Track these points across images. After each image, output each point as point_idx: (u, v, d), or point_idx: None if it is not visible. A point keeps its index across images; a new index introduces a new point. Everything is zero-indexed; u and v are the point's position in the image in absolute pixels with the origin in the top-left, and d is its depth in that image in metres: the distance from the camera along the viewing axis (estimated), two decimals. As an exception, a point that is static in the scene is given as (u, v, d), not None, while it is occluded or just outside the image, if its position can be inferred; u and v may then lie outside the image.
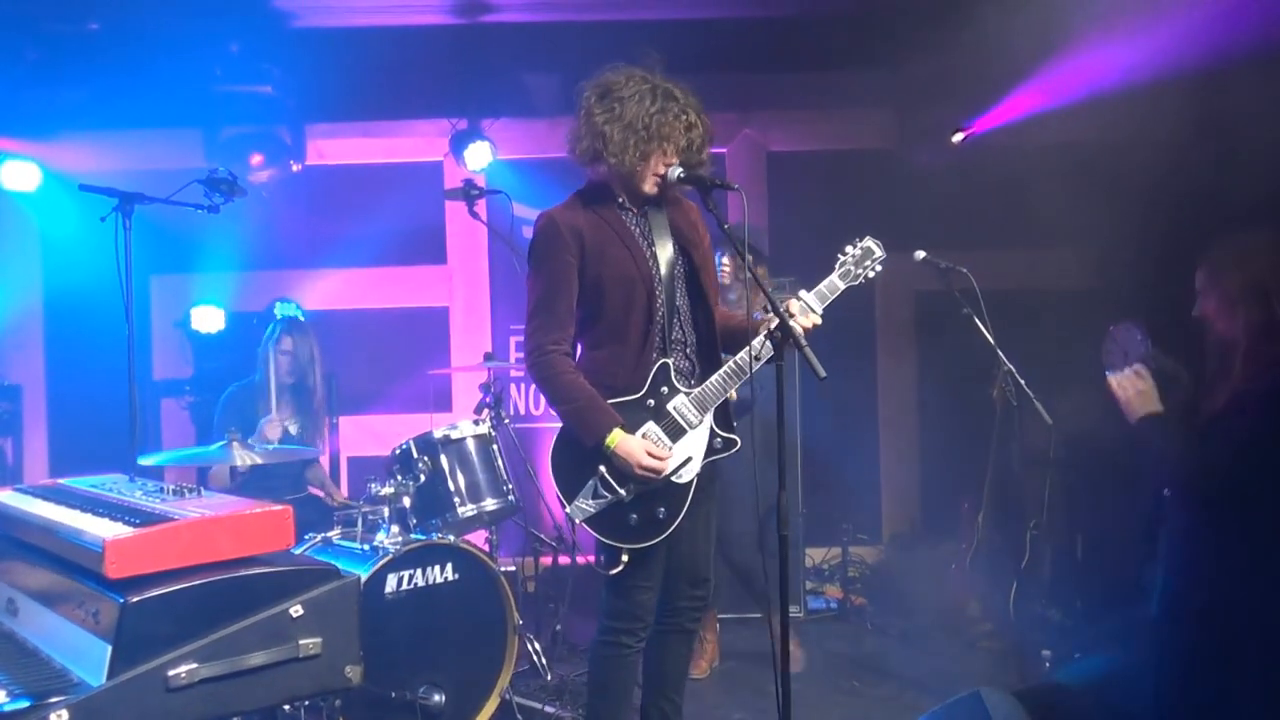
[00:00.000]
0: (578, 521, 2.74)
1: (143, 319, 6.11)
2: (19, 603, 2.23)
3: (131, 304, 3.32)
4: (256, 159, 5.60)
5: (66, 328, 5.96)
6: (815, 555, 5.85)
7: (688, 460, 2.77)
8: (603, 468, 2.71)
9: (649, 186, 2.77)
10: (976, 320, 4.23)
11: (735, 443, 2.85)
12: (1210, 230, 4.68)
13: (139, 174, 4.48)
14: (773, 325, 2.55)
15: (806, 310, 2.73)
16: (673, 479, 2.74)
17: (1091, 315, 5.63)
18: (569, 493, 2.75)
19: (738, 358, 2.77)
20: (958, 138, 5.83)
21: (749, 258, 2.58)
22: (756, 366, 2.73)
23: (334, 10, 5.45)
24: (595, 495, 2.72)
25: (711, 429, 2.81)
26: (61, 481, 2.70)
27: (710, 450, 2.82)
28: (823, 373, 2.43)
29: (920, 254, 4.26)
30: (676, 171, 2.72)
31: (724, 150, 6.28)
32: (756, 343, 2.68)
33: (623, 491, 2.71)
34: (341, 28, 5.54)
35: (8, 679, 1.91)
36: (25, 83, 5.31)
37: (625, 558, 2.74)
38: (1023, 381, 4.18)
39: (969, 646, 4.58)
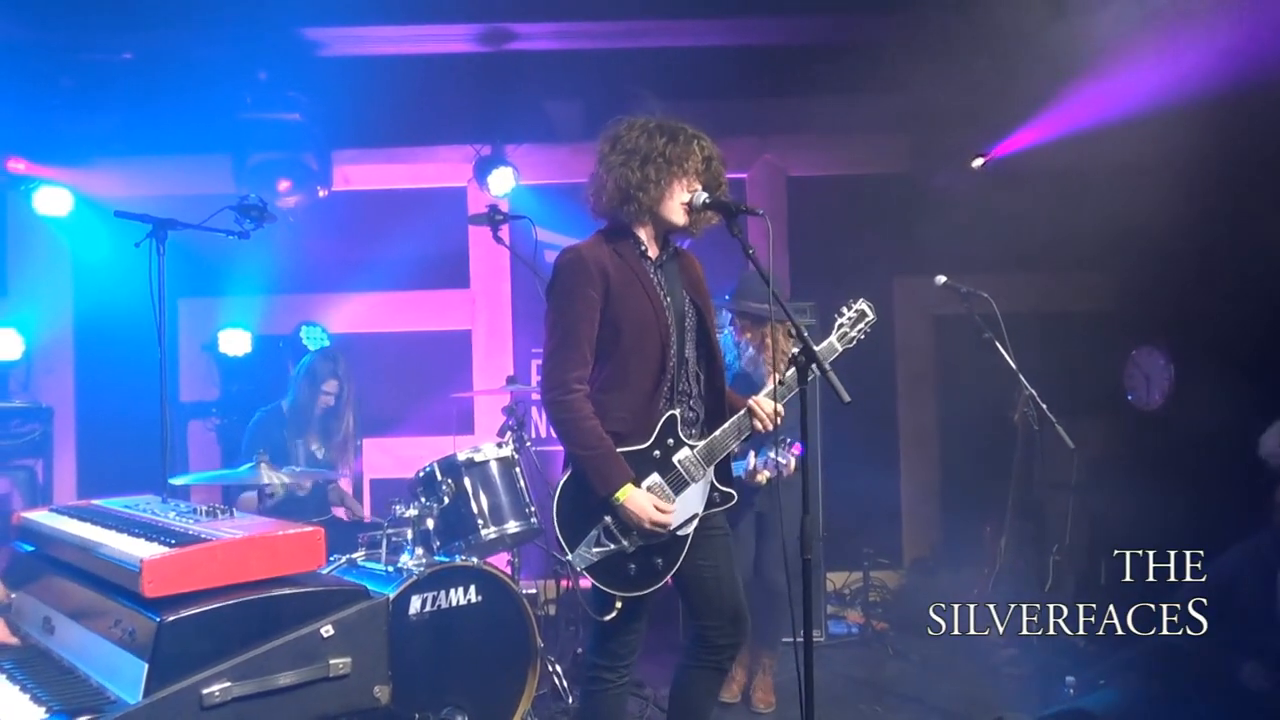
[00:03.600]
0: (579, 569, 2.75)
1: (170, 342, 6.18)
2: (55, 621, 2.27)
3: (164, 328, 3.38)
4: (284, 185, 5.68)
5: (96, 350, 6.05)
6: (836, 579, 5.84)
7: (692, 517, 2.80)
8: (608, 518, 2.72)
9: (679, 216, 2.80)
10: (998, 345, 4.24)
11: (732, 497, 2.88)
12: (1231, 253, 4.71)
13: (169, 199, 4.58)
14: (794, 351, 2.58)
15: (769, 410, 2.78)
16: (675, 531, 2.77)
17: (1113, 339, 5.65)
18: (571, 540, 2.75)
19: (760, 395, 2.82)
20: (978, 163, 5.87)
21: (771, 283, 2.61)
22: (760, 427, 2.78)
23: (361, 39, 5.55)
24: (598, 544, 2.73)
25: (711, 483, 2.84)
26: (96, 502, 2.75)
27: (709, 504, 2.85)
28: (847, 397, 2.45)
29: (941, 279, 4.29)
30: (702, 196, 2.76)
31: (744, 175, 6.33)
32: (780, 377, 2.72)
33: (625, 542, 2.73)
34: (368, 56, 5.64)
35: (46, 696, 1.95)
36: (59, 110, 5.44)
37: (619, 604, 2.75)
38: (1044, 406, 4.18)
39: (991, 672, 4.56)
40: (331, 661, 2.01)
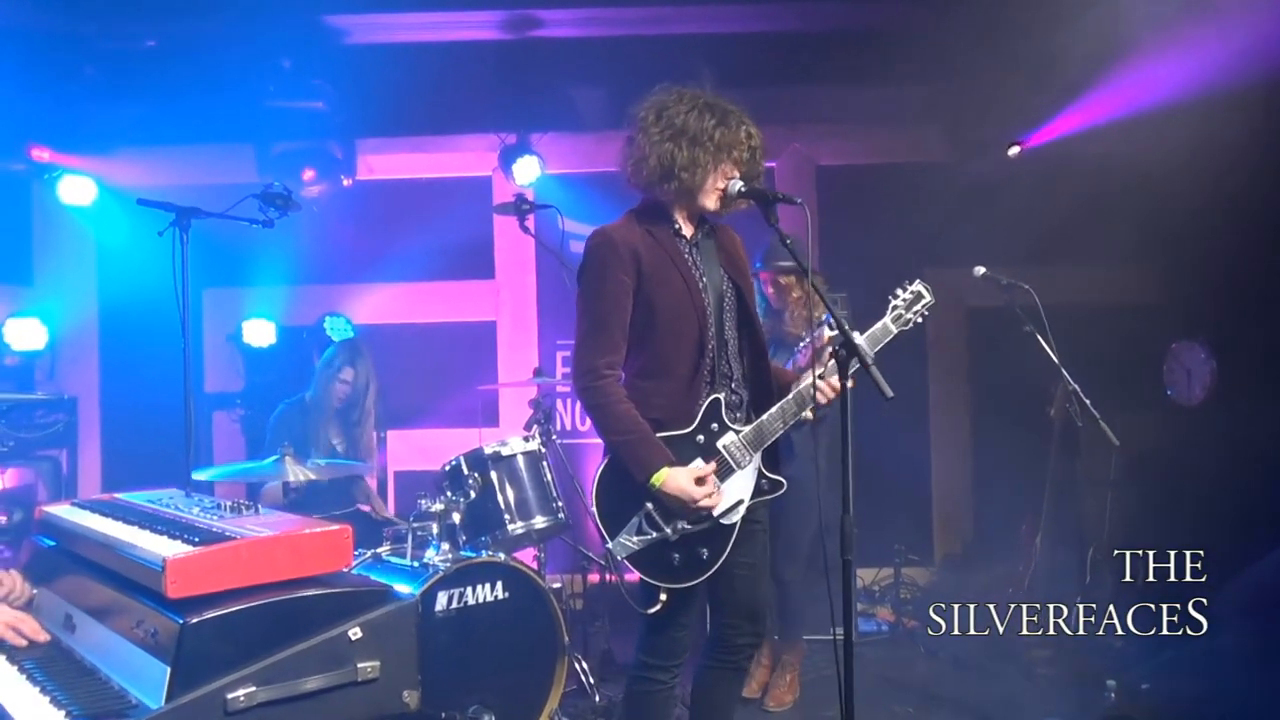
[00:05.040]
0: (620, 558, 2.66)
1: (195, 332, 6.16)
2: (77, 619, 2.22)
3: (188, 318, 3.33)
4: (309, 174, 5.64)
5: (121, 341, 6.04)
6: (865, 576, 5.75)
7: (738, 503, 2.70)
8: (649, 504, 2.63)
9: (712, 203, 2.71)
10: (1039, 338, 4.12)
11: (781, 485, 2.78)
12: (1275, 245, 4.57)
13: (193, 189, 4.53)
14: (829, 343, 2.50)
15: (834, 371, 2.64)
16: (720, 520, 2.68)
17: (1151, 333, 5.52)
18: (612, 528, 2.65)
19: (802, 385, 2.70)
20: (1013, 151, 5.74)
21: (811, 272, 2.52)
22: (811, 404, 2.67)
23: (385, 27, 5.49)
24: (639, 532, 2.64)
25: (759, 470, 2.74)
26: (119, 496, 2.70)
27: (757, 491, 2.75)
28: (890, 392, 2.36)
29: (980, 269, 4.18)
30: (738, 185, 2.67)
31: (773, 164, 6.22)
32: (821, 368, 2.63)
33: (668, 530, 2.63)
34: (392, 44, 5.57)
35: (67, 699, 1.90)
36: (83, 99, 5.40)
37: (664, 597, 2.66)
38: (1088, 401, 4.06)
39: (1026, 673, 4.45)
40: (359, 665, 1.95)
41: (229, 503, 2.39)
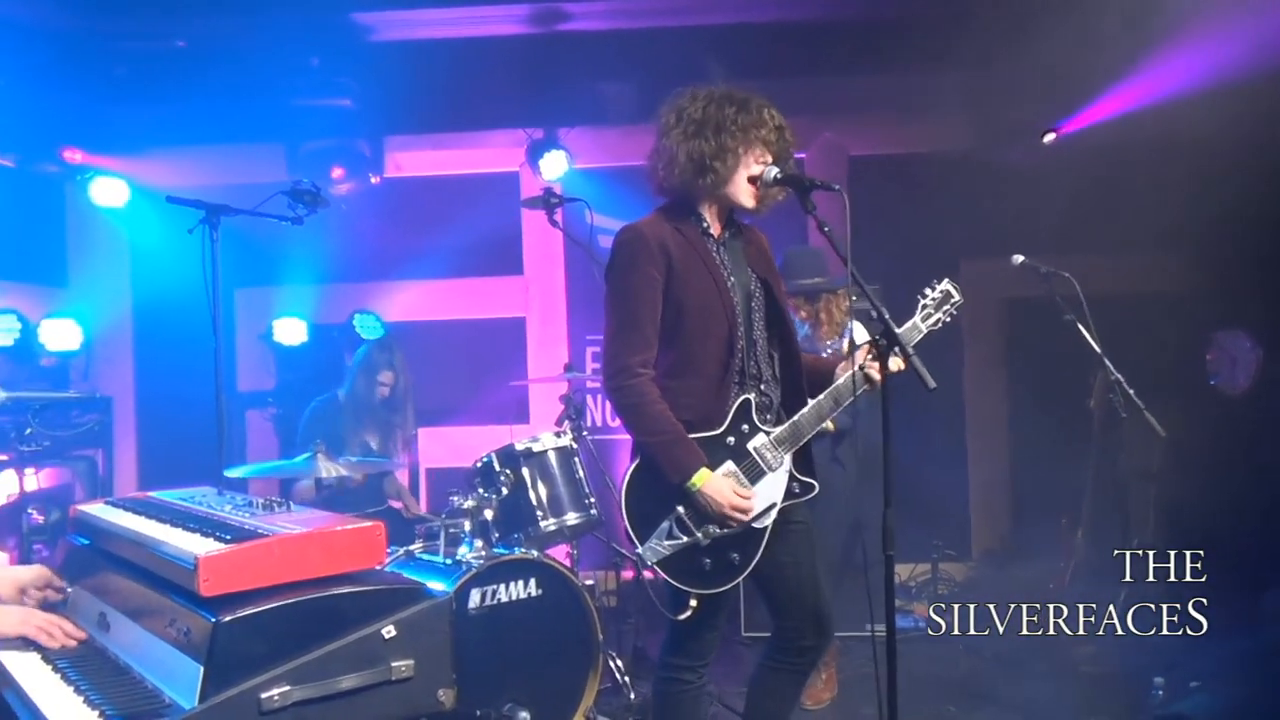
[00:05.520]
0: (649, 564, 2.60)
1: (228, 331, 6.22)
2: (111, 618, 2.21)
3: (219, 315, 3.32)
4: (338, 172, 5.66)
5: (154, 340, 6.09)
6: (902, 572, 5.66)
7: (770, 506, 2.64)
8: (681, 508, 2.57)
9: (746, 197, 2.65)
10: (1080, 327, 4.02)
11: (813, 487, 2.71)
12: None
13: (225, 188, 4.53)
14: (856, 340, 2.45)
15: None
16: (752, 524, 2.61)
17: (1193, 321, 5.39)
18: (642, 532, 2.60)
19: (839, 381, 2.65)
20: (1049, 138, 5.64)
21: (849, 262, 2.46)
22: (851, 399, 2.63)
23: (411, 23, 5.47)
24: (670, 536, 2.58)
25: (790, 473, 2.68)
26: (152, 495, 2.69)
27: (788, 494, 2.68)
28: (932, 383, 2.31)
29: (1019, 258, 4.10)
30: (773, 171, 2.62)
31: (804, 155, 6.15)
32: (853, 362, 2.59)
33: (699, 534, 2.57)
34: (418, 40, 5.56)
35: (101, 699, 1.88)
36: (114, 100, 5.45)
37: (694, 603, 2.60)
38: (1132, 391, 3.96)
39: (1070, 671, 4.35)
40: (394, 664, 1.91)
41: (261, 500, 2.37)
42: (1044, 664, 4.39)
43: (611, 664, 4.01)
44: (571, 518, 3.82)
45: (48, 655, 2.17)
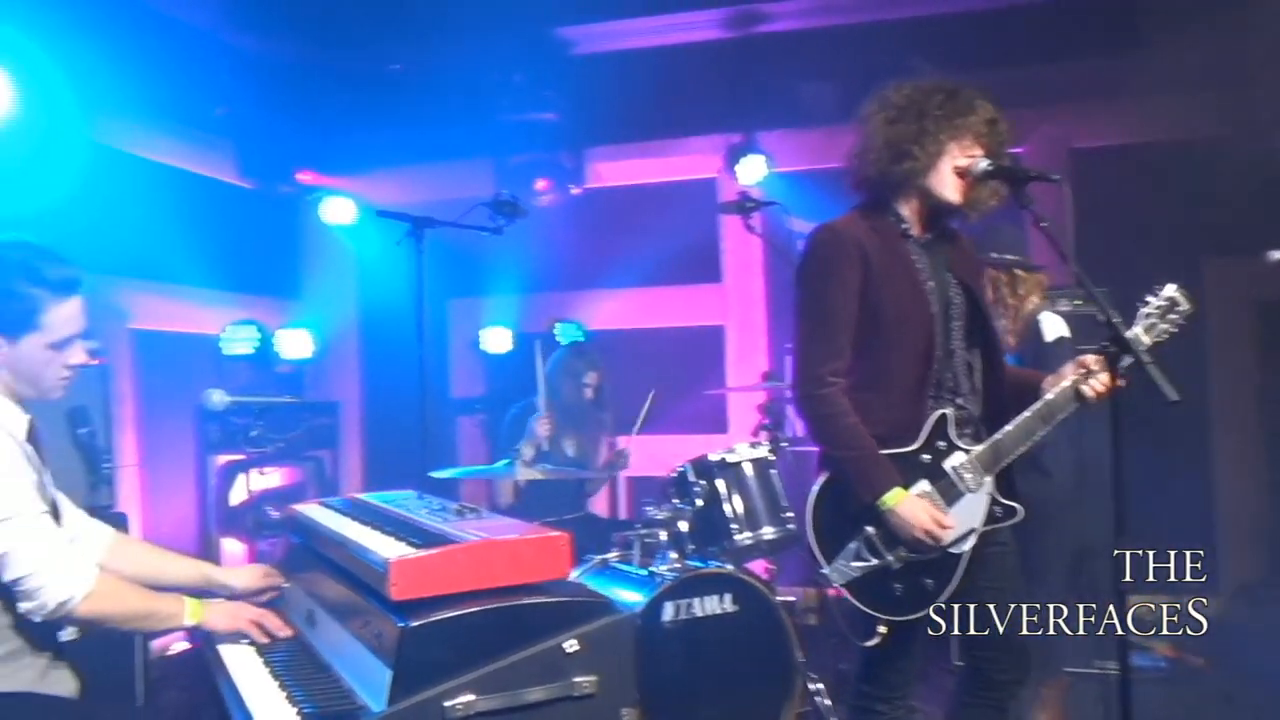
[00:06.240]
0: (838, 585, 2.44)
1: (441, 340, 6.54)
2: (317, 615, 2.30)
3: (424, 323, 3.44)
4: (541, 184, 5.81)
5: (378, 349, 6.46)
6: (1136, 604, 5.14)
7: (970, 532, 2.42)
8: (870, 528, 2.40)
9: (951, 191, 2.44)
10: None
11: (1015, 512, 2.47)
12: None
13: (438, 203, 4.72)
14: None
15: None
16: (948, 549, 2.41)
17: None
18: (828, 551, 2.45)
19: (1052, 395, 2.42)
20: (1314, 118, 4.97)
21: (1073, 261, 2.22)
22: (1061, 417, 2.41)
23: (611, 34, 5.55)
24: (858, 558, 2.41)
25: (992, 495, 2.45)
26: (359, 496, 2.81)
27: (990, 519, 2.46)
28: (1174, 395, 2.04)
29: (1276, 254, 3.62)
30: (983, 164, 2.40)
31: (1020, 150, 5.73)
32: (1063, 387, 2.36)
33: (890, 557, 2.40)
34: (618, 50, 5.64)
35: (303, 695, 1.95)
36: (339, 124, 5.84)
37: (883, 630, 2.42)
38: None
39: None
40: (576, 679, 1.88)
41: (455, 505, 2.41)
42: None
43: (811, 687, 3.84)
44: (767, 532, 3.69)
45: (260, 648, 2.29)
